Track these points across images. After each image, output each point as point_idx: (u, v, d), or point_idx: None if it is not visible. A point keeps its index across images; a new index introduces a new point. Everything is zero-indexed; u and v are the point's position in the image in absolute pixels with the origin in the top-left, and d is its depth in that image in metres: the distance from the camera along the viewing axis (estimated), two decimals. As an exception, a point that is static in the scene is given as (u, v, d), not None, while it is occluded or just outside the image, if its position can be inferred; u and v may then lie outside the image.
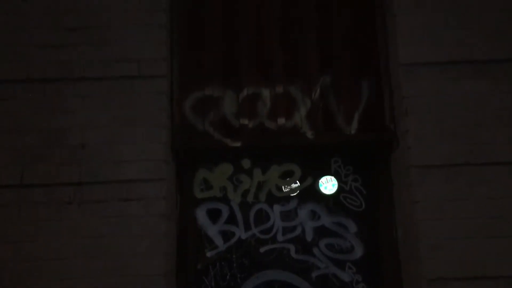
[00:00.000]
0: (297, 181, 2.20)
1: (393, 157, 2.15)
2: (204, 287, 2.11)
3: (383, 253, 2.11)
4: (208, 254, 2.14)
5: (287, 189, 2.20)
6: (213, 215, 2.17)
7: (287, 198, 2.19)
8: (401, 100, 2.04)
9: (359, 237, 2.14)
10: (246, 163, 2.20)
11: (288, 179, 2.21)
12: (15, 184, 1.95)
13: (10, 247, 1.92)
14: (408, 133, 2.00)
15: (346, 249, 2.14)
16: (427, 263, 1.89)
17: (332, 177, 2.21)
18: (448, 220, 1.93)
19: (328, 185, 2.20)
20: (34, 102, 2.03)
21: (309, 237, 2.14)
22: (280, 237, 2.15)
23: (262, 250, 2.14)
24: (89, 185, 1.97)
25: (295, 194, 2.20)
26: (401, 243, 2.09)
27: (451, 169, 1.97)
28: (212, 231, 2.15)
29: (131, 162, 1.99)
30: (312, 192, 2.19)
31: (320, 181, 2.21)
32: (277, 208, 2.17)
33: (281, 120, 2.16)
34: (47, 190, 1.96)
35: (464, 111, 2.01)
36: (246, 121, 2.15)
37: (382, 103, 2.17)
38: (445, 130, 2.00)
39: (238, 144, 2.12)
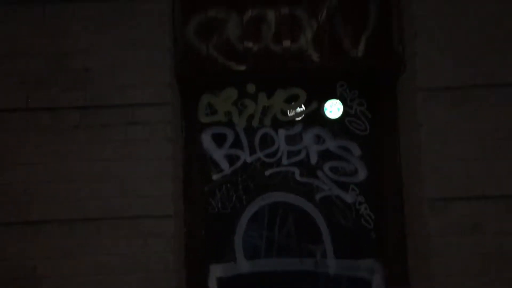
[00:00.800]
0: (302, 105, 2.20)
1: (400, 80, 2.13)
2: (211, 209, 2.16)
3: (385, 175, 2.14)
4: (214, 177, 2.18)
5: (292, 114, 2.20)
6: (218, 139, 2.19)
7: (292, 122, 2.20)
8: (411, 20, 1.99)
9: (363, 160, 2.17)
10: (251, 88, 2.19)
11: (293, 103, 2.20)
12: (21, 108, 1.96)
13: (19, 170, 1.96)
14: (416, 55, 1.97)
15: (350, 172, 2.17)
16: (429, 183, 1.93)
17: (338, 101, 2.20)
18: (452, 143, 1.93)
19: (333, 109, 2.19)
20: (34, 25, 2.00)
21: (313, 160, 2.17)
22: (285, 161, 2.18)
23: (267, 173, 2.17)
24: (95, 109, 1.98)
25: (300, 118, 2.20)
26: (404, 166, 2.11)
27: (457, 92, 1.95)
28: (218, 155, 2.18)
29: (135, 86, 1.99)
30: (317, 116, 2.20)
31: (325, 105, 2.20)
32: (282, 132, 2.18)
33: (286, 43, 2.11)
34: (54, 114, 1.97)
35: (474, 33, 1.96)
36: (250, 45, 2.11)
37: (390, 24, 2.11)
38: (454, 52, 1.96)
39: (242, 67, 2.10)
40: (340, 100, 2.20)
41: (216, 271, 2.12)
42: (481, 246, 1.91)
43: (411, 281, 2.06)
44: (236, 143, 2.19)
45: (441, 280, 1.90)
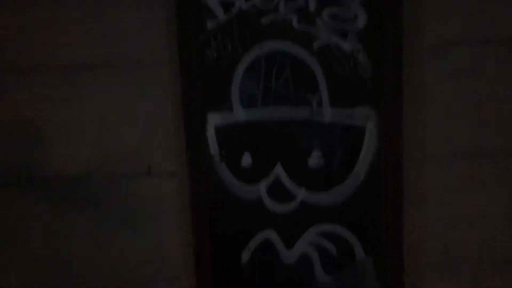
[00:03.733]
0: None
1: None
2: (207, 59, 2.12)
3: (386, 22, 2.07)
4: (209, 25, 2.10)
5: (290, -44, 2.05)
6: (212, -16, 2.07)
7: (289, -34, 2.06)
8: None
9: (363, 6, 2.07)
10: None
11: None
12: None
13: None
14: None
15: (349, 18, 2.09)
16: (430, 29, 1.87)
17: None
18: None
19: (334, -49, 2.04)
20: None
21: (312, 6, 2.08)
22: (282, 8, 2.08)
23: (263, 21, 2.09)
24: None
25: (298, -39, 2.05)
26: (406, 13, 2.03)
27: None
28: (212, 1, 2.08)
29: None
30: (317, -41, 2.05)
31: None
32: (279, -24, 2.06)
33: None
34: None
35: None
36: None
37: None
38: None
39: None
40: None
41: (213, 119, 2.15)
42: (478, 92, 1.92)
43: (404, 128, 2.09)
44: (231, -12, 2.07)
45: (435, 125, 1.95)
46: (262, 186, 2.16)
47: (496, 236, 1.99)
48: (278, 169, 2.16)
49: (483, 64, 1.90)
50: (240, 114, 2.14)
